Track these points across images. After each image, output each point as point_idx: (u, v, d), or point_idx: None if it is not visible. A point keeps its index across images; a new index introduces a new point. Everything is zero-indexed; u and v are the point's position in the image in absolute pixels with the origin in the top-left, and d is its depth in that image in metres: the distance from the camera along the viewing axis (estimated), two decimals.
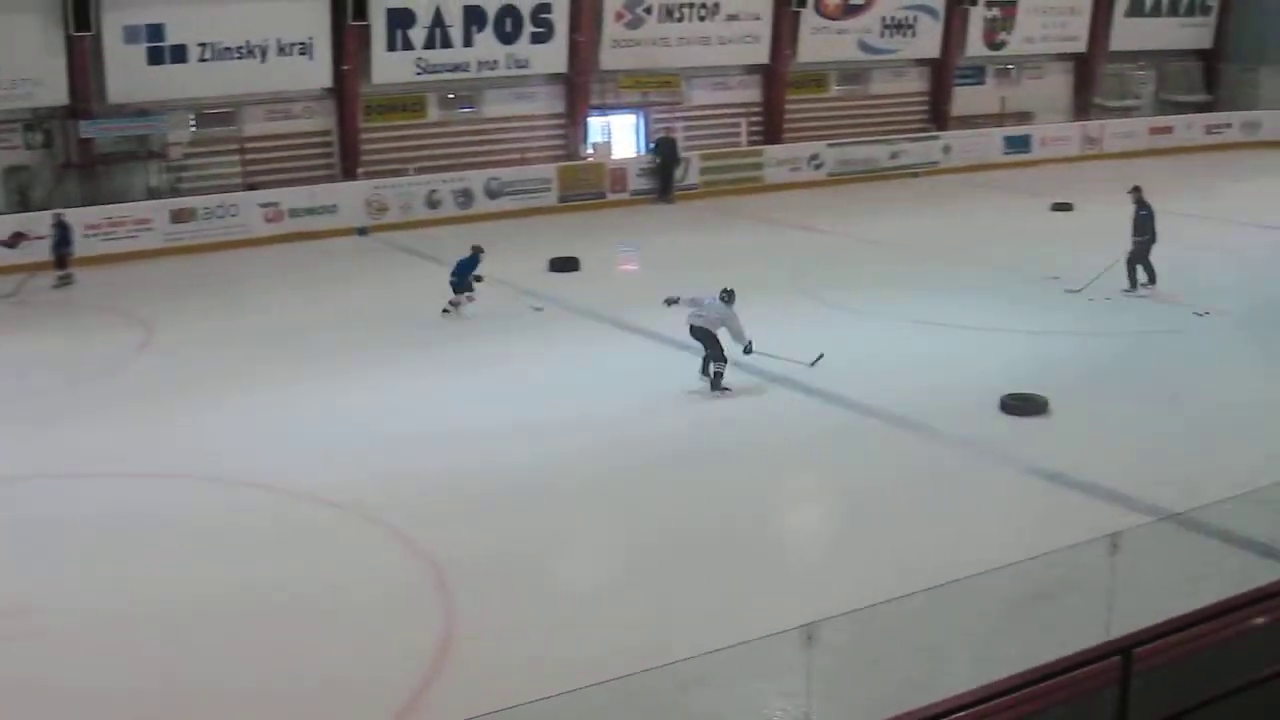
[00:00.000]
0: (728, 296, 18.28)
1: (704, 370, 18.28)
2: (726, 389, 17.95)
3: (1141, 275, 23.40)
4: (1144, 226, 23.42)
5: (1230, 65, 48.75)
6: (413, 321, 22.63)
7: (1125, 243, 23.40)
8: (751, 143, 38.41)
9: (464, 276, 22.86)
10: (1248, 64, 48.24)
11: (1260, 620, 8.47)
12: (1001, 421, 16.69)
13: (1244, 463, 14.33)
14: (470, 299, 22.77)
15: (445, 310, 22.90)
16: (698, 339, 18.32)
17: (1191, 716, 7.56)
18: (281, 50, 31.59)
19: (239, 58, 31.03)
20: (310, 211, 30.49)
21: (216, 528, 13.75)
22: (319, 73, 32.30)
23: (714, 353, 18.04)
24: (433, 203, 31.85)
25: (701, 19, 36.82)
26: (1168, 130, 45.14)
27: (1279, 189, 35.62)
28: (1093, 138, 43.36)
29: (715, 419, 17.05)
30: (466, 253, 23.04)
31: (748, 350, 18.09)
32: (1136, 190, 23.92)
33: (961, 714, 6.93)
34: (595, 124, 36.55)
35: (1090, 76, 45.63)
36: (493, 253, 26.48)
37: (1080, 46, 45.23)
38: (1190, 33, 48.21)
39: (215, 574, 12.42)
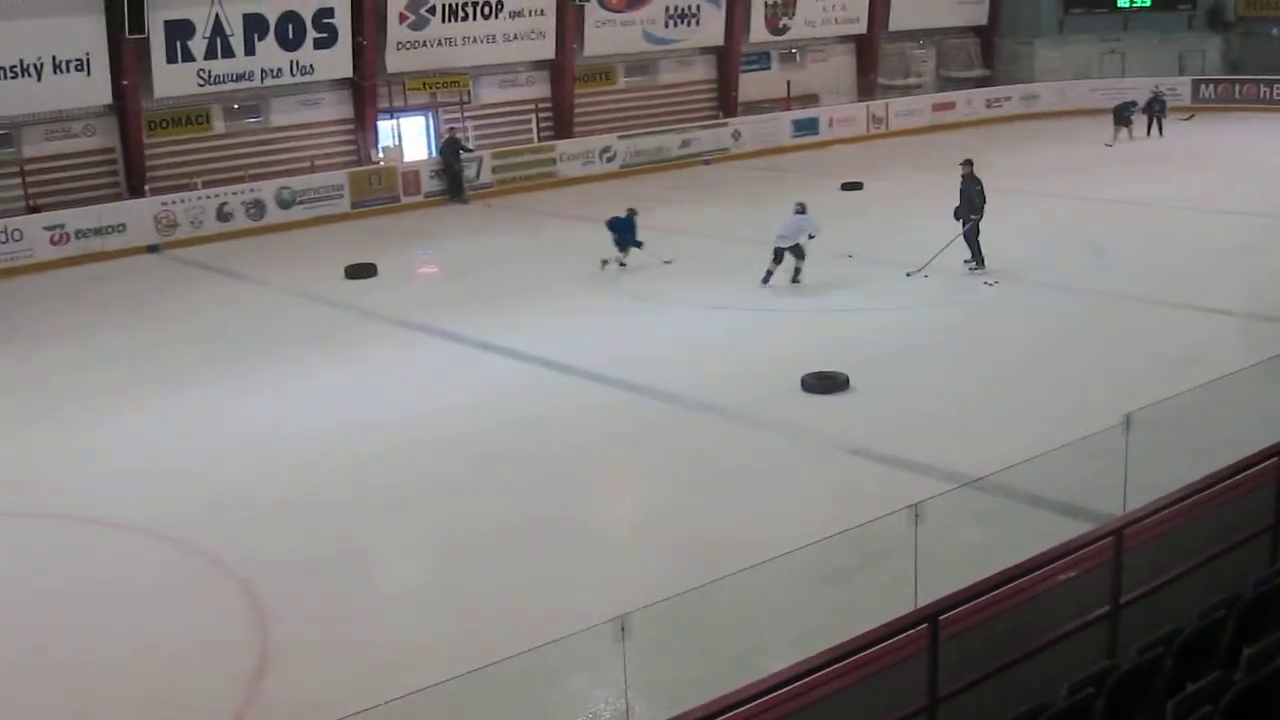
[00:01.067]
0: (801, 208, 23.20)
1: (795, 279, 22.97)
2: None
3: (967, 253, 23.59)
4: (976, 201, 23.56)
5: (1006, 40, 50.17)
6: (214, 337, 22.16)
7: (948, 216, 23.81)
8: (543, 138, 38.40)
9: (624, 235, 24.97)
10: (1022, 38, 49.71)
11: (1068, 575, 8.75)
12: (804, 400, 16.94)
13: (1039, 426, 14.74)
14: (623, 263, 24.87)
15: (605, 262, 24.86)
16: (786, 253, 22.88)
17: (1001, 676, 7.76)
18: (58, 68, 30.62)
19: (13, 77, 30.00)
20: (98, 232, 29.62)
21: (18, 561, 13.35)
22: (98, 89, 31.39)
23: (797, 254, 22.94)
24: (224, 216, 31.18)
25: (486, 17, 36.66)
26: (950, 106, 46.25)
27: (1054, 157, 36.73)
28: (878, 117, 44.24)
29: (525, 417, 17.00)
30: (621, 213, 25.30)
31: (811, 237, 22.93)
32: (967, 163, 24.10)
33: (781, 691, 7.04)
34: (385, 128, 36.19)
35: (872, 57, 46.54)
36: (286, 263, 26.22)
37: (861, 28, 46.10)
38: (966, 10, 49.47)
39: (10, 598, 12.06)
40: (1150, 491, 9.50)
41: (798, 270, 23.03)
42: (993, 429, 15.50)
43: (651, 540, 13.53)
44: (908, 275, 23.13)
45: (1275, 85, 46.28)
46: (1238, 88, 47.22)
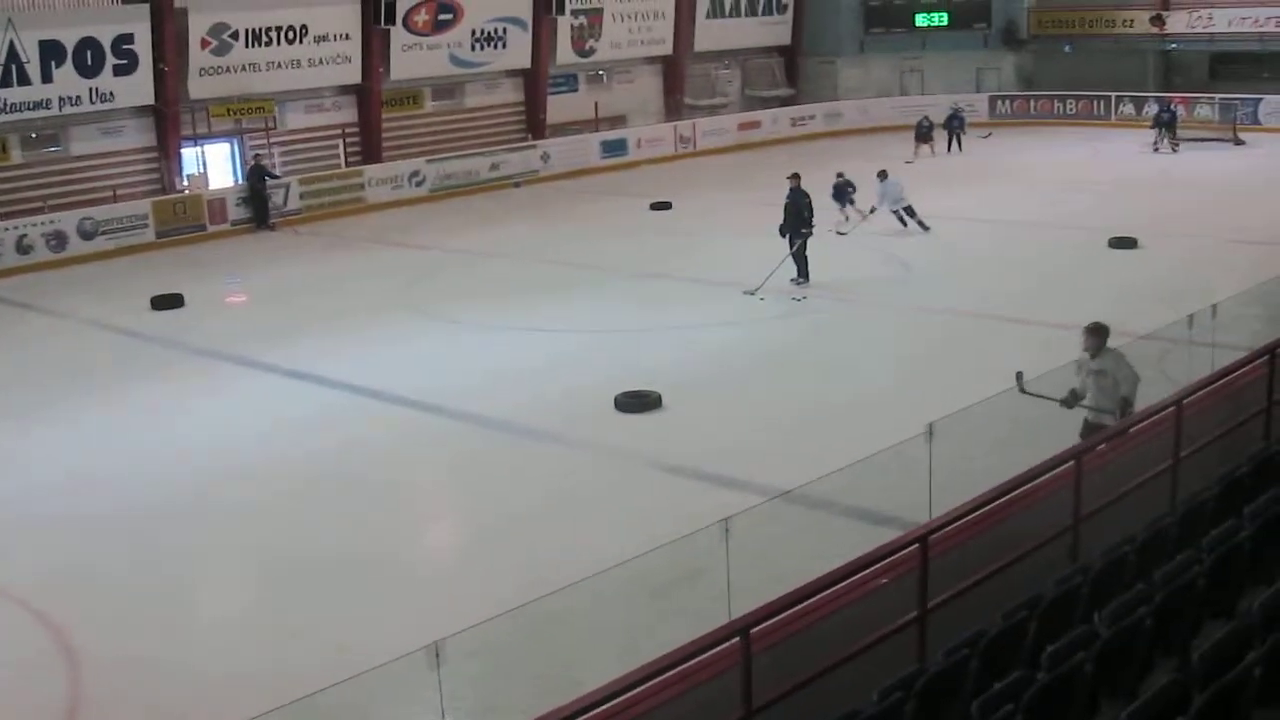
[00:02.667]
0: (882, 175, 28.57)
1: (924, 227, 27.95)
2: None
3: (793, 271, 23.82)
4: (805, 215, 23.81)
5: (809, 59, 51.05)
6: (11, 371, 21.55)
7: (759, 233, 24.08)
8: (351, 163, 38.07)
9: (842, 196, 28.98)
10: (825, 57, 50.66)
11: (877, 583, 8.94)
12: (618, 420, 17.06)
13: (850, 440, 14.99)
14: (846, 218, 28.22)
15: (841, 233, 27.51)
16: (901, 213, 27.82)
17: (815, 684, 7.89)
18: None
19: None
20: None
21: None
22: None
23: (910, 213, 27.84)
24: (24, 248, 30.28)
25: (290, 42, 36.25)
26: (756, 125, 46.93)
27: (857, 173, 37.43)
28: (685, 137, 44.69)
29: (337, 444, 16.85)
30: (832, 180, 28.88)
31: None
32: (795, 177, 24.28)
33: (601, 709, 7.08)
34: (189, 155, 35.55)
35: (678, 78, 47.02)
36: (89, 295, 25.61)
37: (667, 49, 46.55)
38: (770, 30, 50.26)
39: None
40: (955, 497, 9.75)
41: (920, 223, 28.11)
42: (806, 444, 15.74)
43: (468, 564, 13.51)
44: (744, 294, 23.19)
45: (1069, 100, 47.98)
46: (1033, 103, 48.83)
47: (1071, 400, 12.48)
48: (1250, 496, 9.26)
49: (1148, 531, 8.89)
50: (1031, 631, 7.68)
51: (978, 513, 9.58)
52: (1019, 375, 12.43)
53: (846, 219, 28.78)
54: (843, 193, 29.51)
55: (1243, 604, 7.88)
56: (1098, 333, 12.54)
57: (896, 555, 8.83)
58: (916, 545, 8.58)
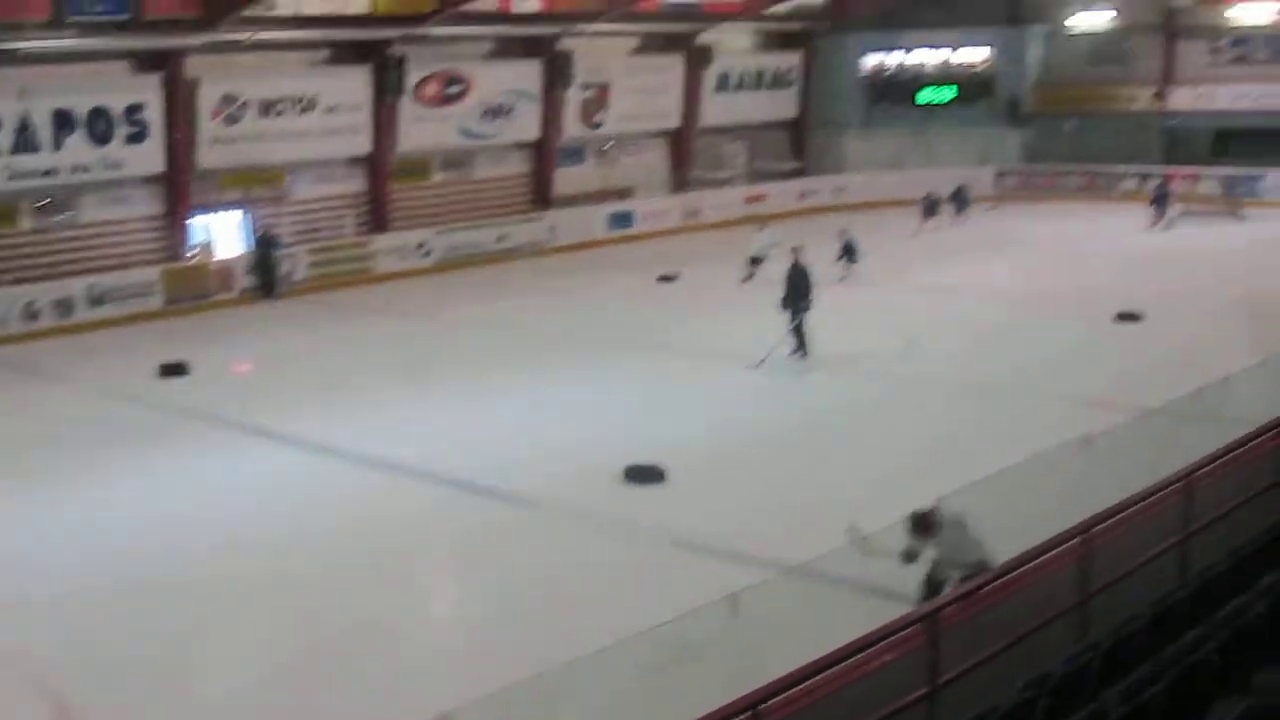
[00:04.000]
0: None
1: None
2: None
3: (793, 342, 23.81)
4: (803, 289, 23.78)
5: (816, 133, 51.31)
6: (17, 437, 21.51)
7: (765, 306, 24.14)
8: (359, 233, 38.21)
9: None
10: (832, 131, 50.93)
11: (886, 659, 8.90)
12: (626, 492, 17.04)
13: (857, 513, 14.95)
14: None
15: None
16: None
17: None
18: None
19: None
20: None
21: None
22: None
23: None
24: (31, 314, 30.32)
25: (301, 113, 36.45)
26: (762, 198, 47.03)
27: (864, 245, 37.55)
28: (692, 209, 44.85)
29: (345, 516, 16.81)
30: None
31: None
32: (794, 251, 24.42)
33: None
34: (198, 224, 35.68)
35: (685, 151, 47.22)
36: (96, 362, 25.67)
37: (674, 123, 46.76)
38: (777, 103, 50.49)
39: None
40: None
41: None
42: (812, 518, 15.64)
43: (475, 638, 13.46)
44: (749, 368, 23.11)
45: (1072, 175, 48.20)
46: (1036, 178, 49.02)
47: (911, 556, 11.32)
48: (1262, 571, 9.23)
49: (1158, 607, 8.86)
50: (1041, 709, 7.64)
51: (988, 587, 9.56)
52: (851, 528, 11.38)
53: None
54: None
55: (1257, 679, 7.83)
56: (922, 527, 11.20)
57: (906, 630, 8.80)
58: (926, 621, 8.55)
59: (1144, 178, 45.17)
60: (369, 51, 37.43)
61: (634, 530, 15.87)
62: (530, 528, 16.30)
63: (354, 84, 37.44)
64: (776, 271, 25.22)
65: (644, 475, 17.29)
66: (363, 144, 38.18)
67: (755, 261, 31.72)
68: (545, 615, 13.26)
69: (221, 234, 36.31)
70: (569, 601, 13.62)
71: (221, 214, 36.28)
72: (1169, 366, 21.73)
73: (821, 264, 25.04)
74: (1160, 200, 40.66)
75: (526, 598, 13.90)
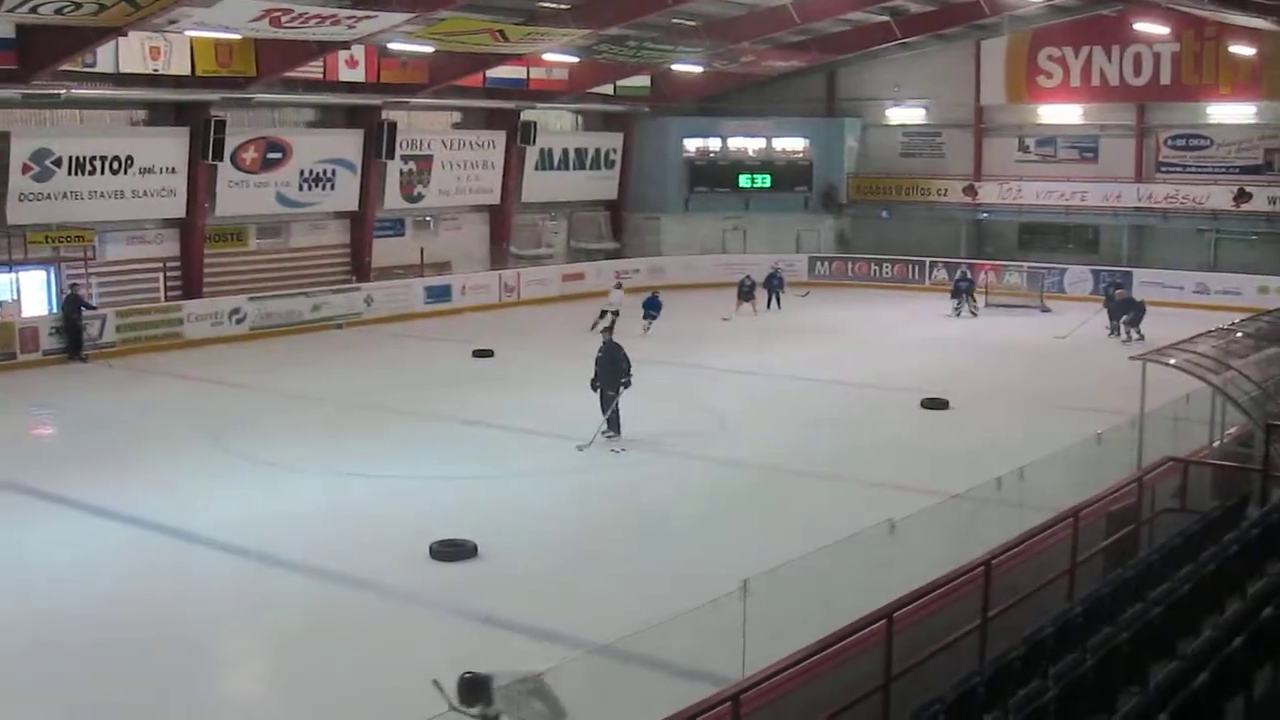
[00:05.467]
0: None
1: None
2: None
3: (606, 421, 23.71)
4: (622, 368, 23.84)
5: (635, 214, 51.87)
6: None
7: (580, 384, 24.21)
8: (170, 297, 37.52)
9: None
10: (650, 213, 51.52)
11: None
12: (432, 569, 16.87)
13: (666, 592, 15.01)
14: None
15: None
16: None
17: None
18: None
19: None
20: None
21: None
22: None
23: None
24: None
25: (115, 172, 35.78)
26: (580, 276, 47.39)
27: (679, 328, 37.91)
28: (510, 285, 44.93)
29: (141, 587, 16.41)
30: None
31: None
32: (608, 331, 24.64)
33: None
34: (3, 281, 34.72)
35: (505, 226, 47.36)
36: None
37: (494, 198, 46.91)
38: (597, 184, 51.01)
39: None
40: (768, 654, 9.81)
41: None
42: (621, 597, 15.70)
43: (268, 716, 13.18)
44: (578, 449, 23.04)
45: (885, 263, 49.44)
46: (850, 265, 50.18)
47: None
48: (1055, 657, 9.46)
49: (956, 691, 9.02)
50: None
51: (790, 670, 9.64)
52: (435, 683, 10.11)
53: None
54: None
55: None
56: (470, 693, 9.73)
57: (710, 713, 8.83)
58: (729, 703, 8.60)
59: (953, 268, 46.50)
60: (188, 113, 37.01)
61: (443, 606, 15.72)
62: (334, 601, 16.05)
63: (170, 145, 36.92)
64: (625, 326, 25.40)
65: (454, 551, 17.15)
66: (177, 207, 37.59)
67: (604, 314, 33.45)
68: (345, 693, 13.04)
69: (28, 292, 35.40)
70: (372, 679, 13.42)
71: (28, 272, 35.38)
72: (973, 453, 22.22)
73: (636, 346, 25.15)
74: (961, 291, 42.09)
75: (326, 675, 13.65)
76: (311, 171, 40.70)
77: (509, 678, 9.73)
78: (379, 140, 41.55)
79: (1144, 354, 19.47)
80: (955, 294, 42.31)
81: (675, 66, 46.53)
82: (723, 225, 51.28)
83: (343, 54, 38.77)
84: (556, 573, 16.84)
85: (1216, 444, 19.10)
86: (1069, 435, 18.99)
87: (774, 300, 42.56)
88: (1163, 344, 20.33)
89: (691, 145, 51.47)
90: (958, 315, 41.60)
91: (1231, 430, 19.26)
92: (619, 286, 38.78)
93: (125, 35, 32.17)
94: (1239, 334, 21.51)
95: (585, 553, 17.74)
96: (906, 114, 51.03)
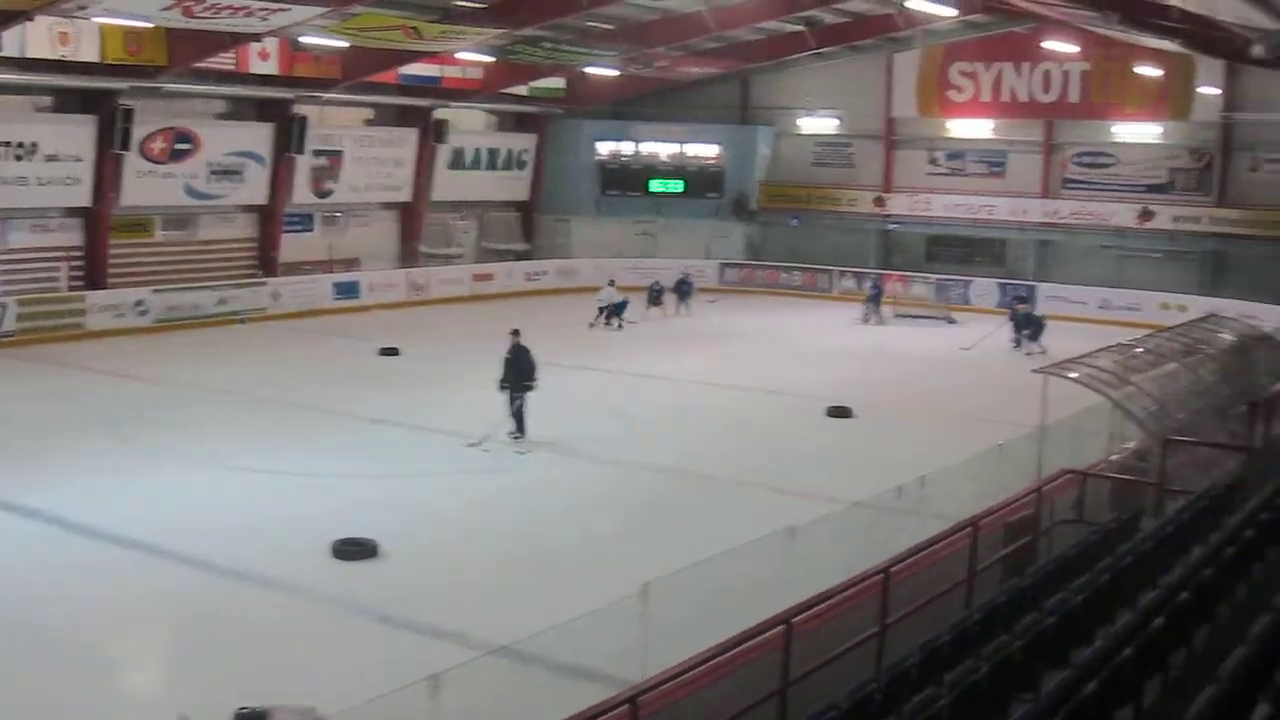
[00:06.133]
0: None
1: None
2: None
3: (512, 425, 23.73)
4: (527, 370, 23.86)
5: (546, 216, 51.77)
6: None
7: (486, 384, 24.12)
8: (73, 288, 36.97)
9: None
10: (561, 215, 51.46)
11: None
12: (334, 567, 16.75)
13: (567, 594, 14.99)
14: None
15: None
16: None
17: None
18: None
19: None
20: None
21: None
22: None
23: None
24: None
25: (19, 159, 35.17)
26: (489, 277, 47.27)
27: (588, 331, 37.90)
28: (419, 284, 44.69)
29: (36, 580, 16.16)
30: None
31: None
32: (516, 333, 24.43)
33: None
34: None
35: (415, 225, 47.08)
36: None
37: (405, 196, 46.63)
38: (509, 185, 50.86)
39: None
40: (668, 658, 9.83)
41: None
42: (523, 598, 15.67)
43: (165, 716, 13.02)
44: (468, 446, 23.06)
45: (794, 271, 49.72)
46: (760, 272, 50.35)
47: None
48: (951, 664, 9.54)
49: (852, 698, 9.07)
50: None
51: (688, 674, 9.67)
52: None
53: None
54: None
55: None
56: None
57: (608, 715, 8.84)
58: (627, 706, 8.61)
59: (861, 278, 46.85)
60: (95, 101, 36.43)
61: (341, 606, 15.61)
62: (234, 599, 15.88)
63: (77, 133, 36.35)
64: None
65: (355, 550, 17.04)
66: (83, 195, 37.01)
67: (602, 311, 38.50)
68: (243, 695, 12.89)
69: None
70: (269, 679, 13.28)
71: None
72: (875, 461, 22.41)
73: (543, 349, 25.08)
74: (874, 298, 42.66)
75: (225, 675, 13.49)
76: (221, 164, 40.24)
77: (289, 713, 9.67)
78: (290, 134, 41.16)
79: (1046, 367, 19.75)
80: (870, 299, 43.09)
81: (590, 69, 46.57)
82: (633, 229, 51.30)
83: (255, 46, 38.30)
84: (458, 573, 16.77)
85: (1114, 457, 19.40)
86: (971, 445, 19.20)
87: (683, 305, 42.67)
88: (1065, 358, 20.62)
89: (604, 148, 51.47)
90: (867, 322, 42.12)
91: (1130, 444, 19.56)
92: (612, 284, 40.13)
93: (32, 19, 31.66)
94: (1139, 350, 21.86)
95: (487, 554, 17.68)
96: (819, 124, 51.31)
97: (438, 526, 18.90)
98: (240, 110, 41.16)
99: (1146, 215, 44.39)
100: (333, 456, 22.69)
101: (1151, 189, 45.22)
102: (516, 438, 23.57)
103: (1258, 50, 20.35)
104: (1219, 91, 43.07)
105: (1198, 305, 37.48)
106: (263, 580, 16.35)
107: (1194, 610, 9.22)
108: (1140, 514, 15.10)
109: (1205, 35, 28.21)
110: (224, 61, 38.14)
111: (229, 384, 28.98)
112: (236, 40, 35.76)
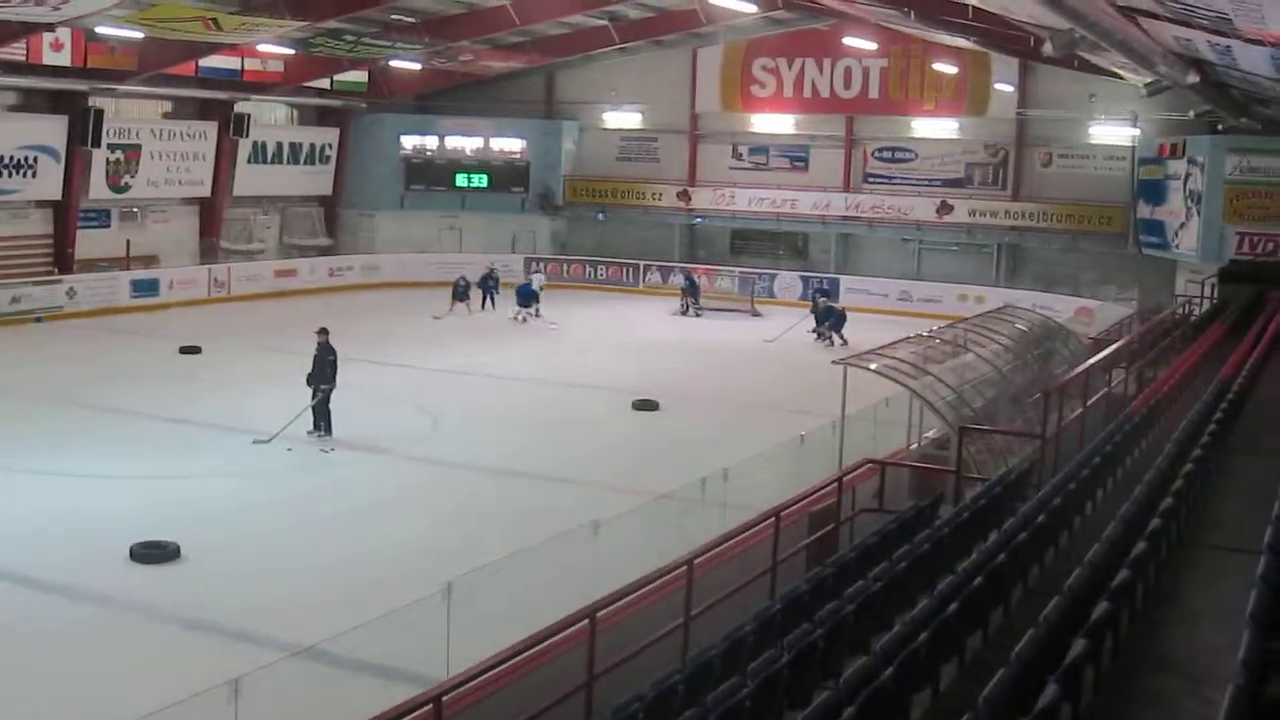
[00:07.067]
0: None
1: None
2: None
3: (316, 420, 23.53)
4: (328, 370, 23.69)
5: (349, 211, 51.20)
6: None
7: (290, 382, 23.79)
8: None
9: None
10: (365, 210, 50.94)
11: None
12: (133, 571, 16.40)
13: (370, 595, 14.87)
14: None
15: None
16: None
17: None
18: None
19: None
20: None
21: None
22: None
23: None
24: None
25: None
26: (292, 273, 46.60)
27: (392, 327, 37.60)
28: (220, 281, 43.88)
29: None
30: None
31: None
32: (323, 331, 24.16)
33: None
34: None
35: (215, 220, 46.19)
36: None
37: (204, 191, 45.69)
38: (311, 180, 50.11)
39: None
40: (473, 654, 9.81)
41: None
42: (326, 599, 15.50)
43: None
44: (254, 443, 22.82)
45: (600, 266, 49.87)
46: (566, 267, 50.38)
47: None
48: (754, 654, 9.66)
49: (656, 689, 9.14)
50: None
51: (493, 671, 9.66)
52: None
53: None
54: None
55: None
56: None
57: (413, 715, 8.79)
58: (431, 705, 8.57)
59: (667, 272, 47.19)
60: None
61: (143, 609, 15.29)
62: (27, 606, 15.47)
63: None
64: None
65: (155, 553, 16.70)
66: None
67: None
68: (39, 702, 12.58)
69: None
70: (67, 685, 12.97)
71: None
72: (680, 453, 22.62)
73: (349, 345, 24.76)
74: (690, 290, 43.85)
75: (18, 682, 13.13)
76: (12, 158, 38.99)
77: None
78: (84, 127, 39.97)
79: (846, 359, 20.11)
80: (686, 291, 43.98)
81: (393, 63, 46.17)
82: (439, 224, 51.01)
83: (48, 36, 37.23)
84: (261, 574, 16.53)
85: (914, 446, 19.82)
86: (774, 436, 19.50)
87: (488, 300, 42.53)
88: (866, 349, 21.01)
89: (409, 143, 51.02)
90: (684, 313, 43.09)
91: (929, 433, 20.01)
92: (540, 270, 44.16)
93: None
94: (937, 341, 22.38)
95: (290, 554, 17.45)
96: (623, 118, 51.51)
97: (241, 526, 18.60)
98: (32, 102, 39.94)
99: (945, 209, 45.44)
100: (131, 457, 22.20)
101: (949, 183, 46.32)
102: (319, 435, 23.33)
103: (1049, 48, 20.96)
104: (1013, 89, 44.28)
105: (995, 297, 38.57)
106: (57, 587, 15.92)
107: (989, 594, 9.45)
108: (939, 501, 15.42)
109: (999, 33, 28.97)
110: (14, 52, 36.98)
111: (22, 384, 28.08)
112: (28, 29, 34.67)
